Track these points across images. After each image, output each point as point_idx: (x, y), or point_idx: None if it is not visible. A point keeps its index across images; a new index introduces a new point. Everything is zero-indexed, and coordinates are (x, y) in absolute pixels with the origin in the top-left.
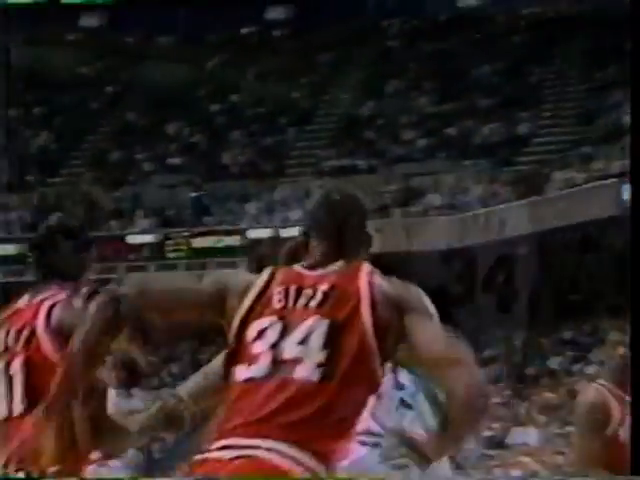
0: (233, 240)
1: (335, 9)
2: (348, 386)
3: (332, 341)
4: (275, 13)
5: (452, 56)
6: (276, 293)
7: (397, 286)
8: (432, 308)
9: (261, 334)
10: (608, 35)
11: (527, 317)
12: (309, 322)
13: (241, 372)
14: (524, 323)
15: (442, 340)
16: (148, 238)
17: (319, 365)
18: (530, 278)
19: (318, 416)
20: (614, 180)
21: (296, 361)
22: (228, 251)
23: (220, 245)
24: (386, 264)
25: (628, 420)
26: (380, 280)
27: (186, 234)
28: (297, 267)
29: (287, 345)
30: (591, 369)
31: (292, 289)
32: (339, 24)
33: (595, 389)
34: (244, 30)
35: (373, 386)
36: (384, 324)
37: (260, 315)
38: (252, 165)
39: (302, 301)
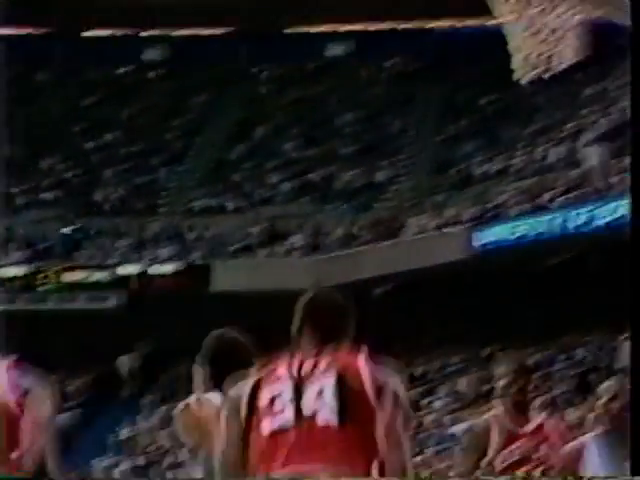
0: (102, 275)
1: (209, 53)
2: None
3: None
4: (151, 54)
5: (317, 103)
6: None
7: (386, 373)
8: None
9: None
10: (462, 89)
11: (381, 354)
12: (321, 381)
13: (266, 425)
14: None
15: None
16: (19, 270)
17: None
18: (385, 317)
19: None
20: (465, 226)
21: (315, 411)
22: (97, 286)
23: (89, 280)
24: (249, 303)
25: (507, 451)
26: (374, 365)
27: (56, 268)
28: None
29: (305, 401)
30: (439, 403)
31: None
32: (212, 68)
33: (483, 419)
34: (120, 69)
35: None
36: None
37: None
38: (124, 202)
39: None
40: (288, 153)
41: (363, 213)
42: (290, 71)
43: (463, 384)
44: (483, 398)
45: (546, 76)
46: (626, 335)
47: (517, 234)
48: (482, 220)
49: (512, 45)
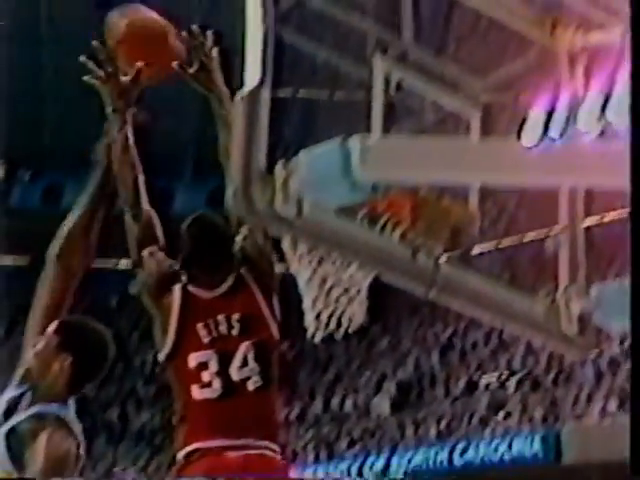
0: None
1: None
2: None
3: (263, 357)
4: None
5: None
6: (200, 329)
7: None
8: None
9: (203, 365)
10: None
11: None
12: (241, 350)
13: (195, 393)
14: None
15: None
16: None
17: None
18: None
19: (272, 415)
20: None
21: (245, 379)
22: None
23: None
24: None
25: None
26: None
27: None
28: (195, 290)
29: (232, 370)
30: None
31: (211, 324)
32: None
33: None
34: None
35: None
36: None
37: (191, 348)
38: None
39: (224, 330)
40: None
41: None
42: None
43: None
44: None
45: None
46: None
47: None
48: None
49: (305, 302)
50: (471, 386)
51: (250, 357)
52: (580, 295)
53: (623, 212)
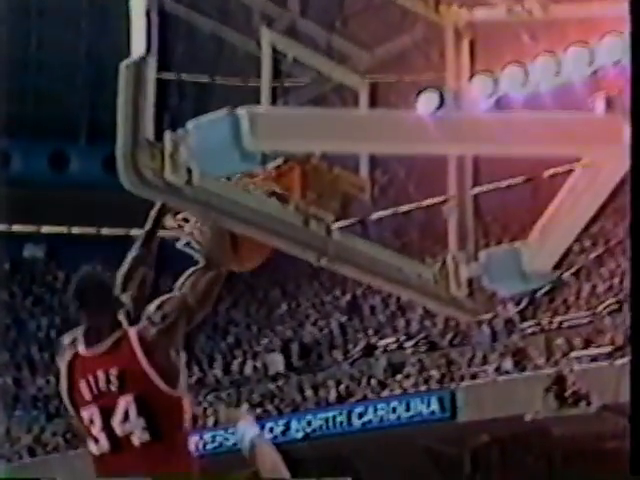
0: None
1: None
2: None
3: (148, 410)
4: None
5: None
6: (83, 386)
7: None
8: None
9: (90, 421)
10: None
11: None
12: (121, 404)
13: (91, 448)
14: None
15: None
16: None
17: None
18: None
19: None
20: None
21: (129, 435)
22: None
23: None
24: None
25: None
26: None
27: None
28: (82, 350)
29: (115, 425)
30: None
31: (91, 379)
32: None
33: None
34: None
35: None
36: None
37: (80, 404)
38: None
39: (103, 386)
40: None
41: None
42: None
43: None
44: None
45: None
46: None
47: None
48: None
49: None
50: (370, 349)
51: (132, 411)
52: (469, 260)
53: (517, 179)
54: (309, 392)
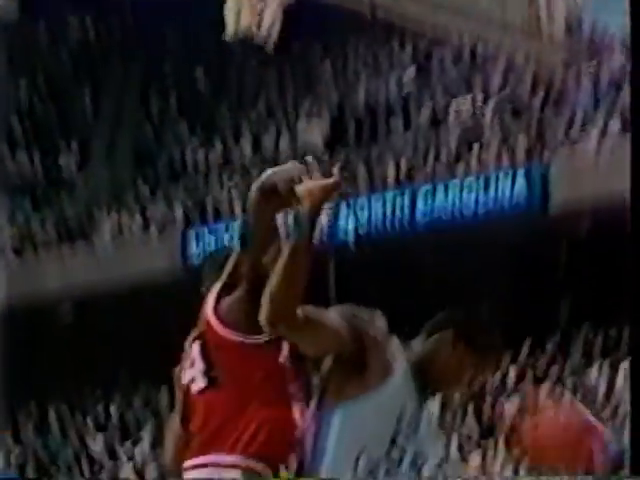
0: None
1: None
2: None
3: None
4: None
5: None
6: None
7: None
8: None
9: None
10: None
11: None
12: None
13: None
14: None
15: None
16: None
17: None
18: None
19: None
20: (177, 227)
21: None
22: None
23: None
24: None
25: None
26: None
27: None
28: None
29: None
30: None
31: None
32: None
33: None
34: None
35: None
36: None
37: None
38: None
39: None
40: None
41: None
42: None
43: None
44: None
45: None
46: None
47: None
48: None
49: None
50: (438, 115)
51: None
52: None
53: None
54: (362, 170)
